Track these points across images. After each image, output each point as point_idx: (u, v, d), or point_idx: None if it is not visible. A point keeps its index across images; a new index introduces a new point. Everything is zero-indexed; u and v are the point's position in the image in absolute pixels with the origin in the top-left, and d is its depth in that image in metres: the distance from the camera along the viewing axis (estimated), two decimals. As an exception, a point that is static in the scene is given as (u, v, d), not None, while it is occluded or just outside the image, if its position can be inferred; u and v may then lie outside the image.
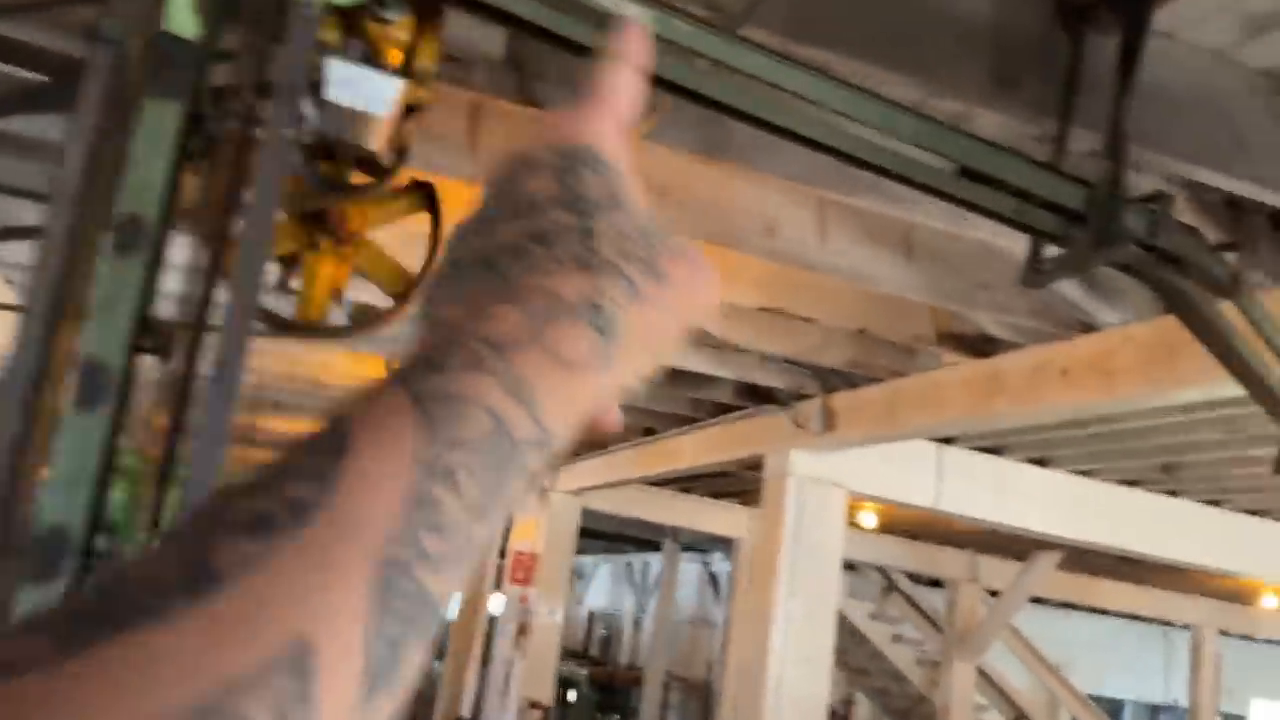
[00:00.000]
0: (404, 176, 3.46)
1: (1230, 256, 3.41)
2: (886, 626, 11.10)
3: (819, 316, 4.43)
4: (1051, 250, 2.35)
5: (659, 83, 2.00)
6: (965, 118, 2.84)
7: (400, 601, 0.27)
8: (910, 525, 9.22)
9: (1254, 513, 6.64)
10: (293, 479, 0.28)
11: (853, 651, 11.26)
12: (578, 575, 22.16)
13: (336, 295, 3.73)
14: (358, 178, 2.79)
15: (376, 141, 2.17)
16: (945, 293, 3.81)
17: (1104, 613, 14.66)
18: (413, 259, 3.49)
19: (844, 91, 2.07)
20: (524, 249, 0.35)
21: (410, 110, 2.31)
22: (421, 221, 3.52)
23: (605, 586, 20.02)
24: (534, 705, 8.95)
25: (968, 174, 2.19)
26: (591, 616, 19.64)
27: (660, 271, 0.36)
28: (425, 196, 3.48)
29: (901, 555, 10.51)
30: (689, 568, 15.18)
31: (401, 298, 3.47)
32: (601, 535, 14.64)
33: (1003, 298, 3.87)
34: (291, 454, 0.29)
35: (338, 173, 2.76)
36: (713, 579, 15.43)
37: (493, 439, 0.31)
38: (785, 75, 2.03)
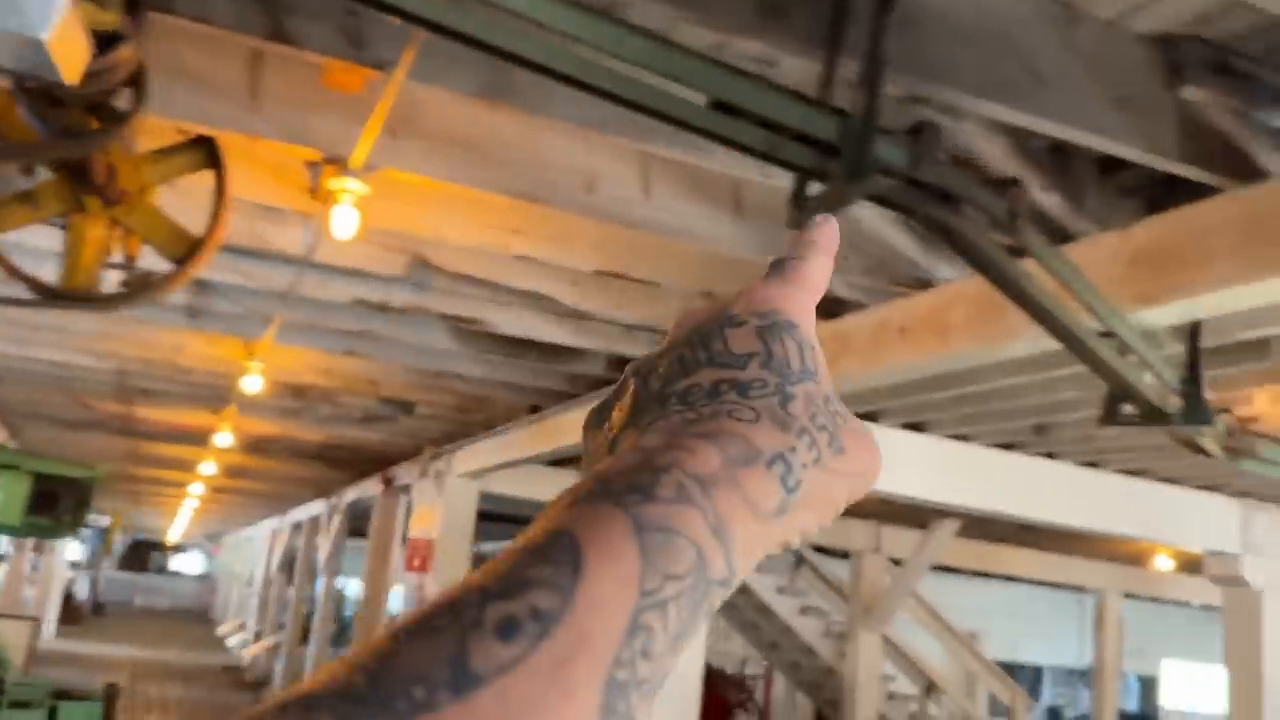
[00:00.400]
0: (188, 132, 3.22)
1: (1060, 203, 3.31)
2: (794, 600, 11.08)
3: (660, 279, 4.27)
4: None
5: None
6: (769, 61, 2.69)
7: None
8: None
9: (1131, 473, 6.66)
10: (534, 588, 0.29)
11: (763, 626, 11.24)
12: (501, 561, 21.96)
13: (130, 260, 3.48)
14: (98, 124, 2.55)
15: (68, 75, 1.93)
16: (777, 250, 3.66)
17: (1018, 581, 14.86)
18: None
19: (573, 13, 1.89)
20: (721, 393, 0.37)
21: (114, 41, 2.08)
22: (205, 179, 3.28)
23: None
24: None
25: (720, 107, 2.03)
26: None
27: (840, 444, 0.39)
28: (207, 152, 3.24)
29: (807, 529, 10.47)
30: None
31: (182, 261, 3.24)
32: (520, 520, 14.44)
33: (838, 255, 3.75)
34: (525, 561, 0.30)
35: (71, 120, 2.51)
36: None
37: (694, 574, 0.32)
38: (511, -4, 1.84)
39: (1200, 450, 3.27)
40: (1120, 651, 11.72)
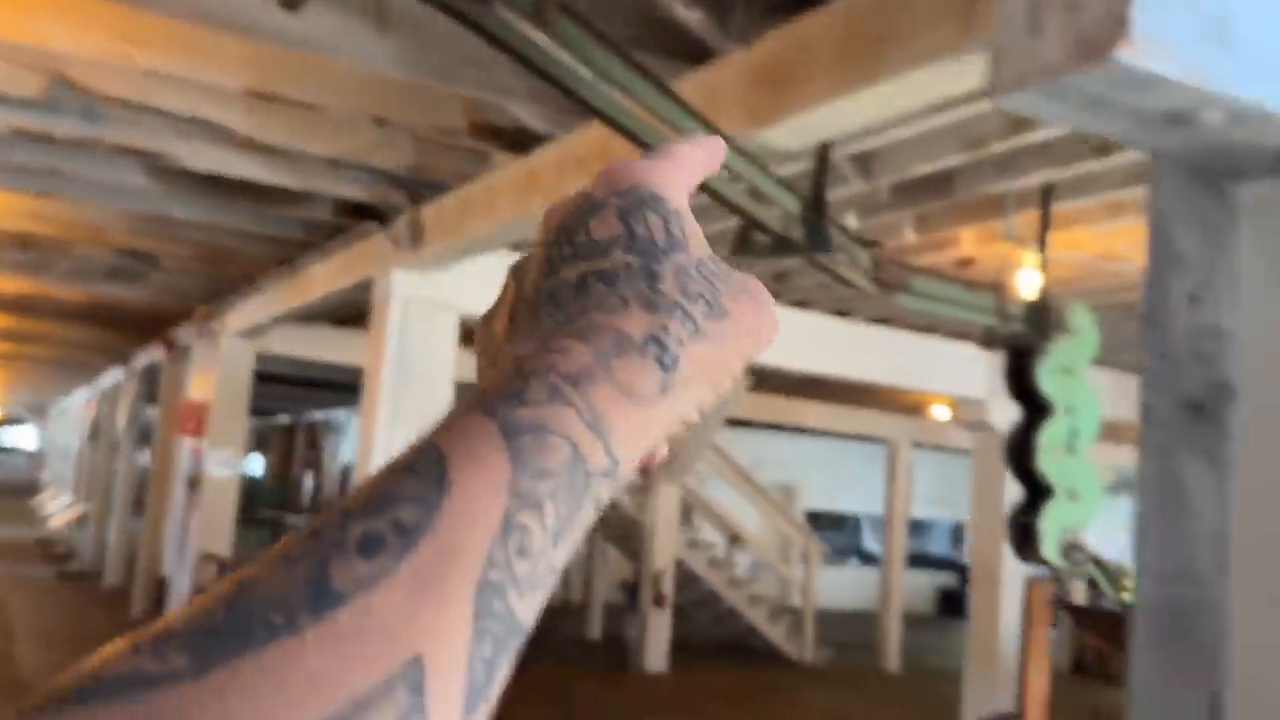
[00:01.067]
0: None
1: (703, 19, 3.13)
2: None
3: (324, 103, 3.95)
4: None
5: None
6: None
7: (494, 623, 0.29)
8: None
9: (880, 321, 6.79)
10: (397, 503, 0.28)
11: (568, 484, 11.33)
12: (332, 430, 21.57)
13: None
14: None
15: None
16: (427, 69, 3.39)
17: (834, 435, 15.40)
18: None
19: None
20: (588, 287, 0.36)
21: None
22: None
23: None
24: (210, 559, 8.53)
25: None
26: (345, 471, 19.19)
27: (721, 308, 0.38)
28: None
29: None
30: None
31: None
32: (308, 382, 14.06)
33: (498, 77, 3.50)
34: (390, 479, 0.29)
35: None
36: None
37: (571, 469, 0.32)
38: None
39: (847, 282, 3.22)
40: (909, 499, 12.33)
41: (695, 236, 0.39)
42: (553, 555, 0.31)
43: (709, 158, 0.42)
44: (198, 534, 8.67)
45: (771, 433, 15.61)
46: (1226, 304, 1.63)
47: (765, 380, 9.73)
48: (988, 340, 3.77)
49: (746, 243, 3.02)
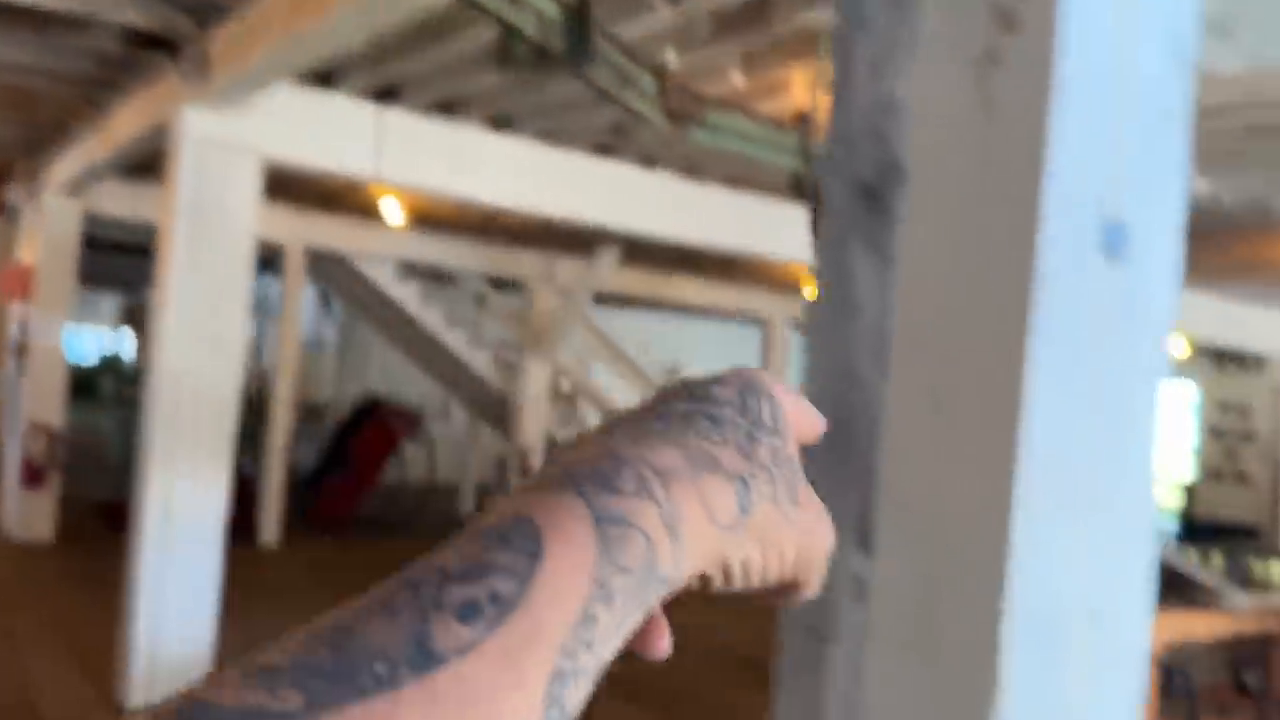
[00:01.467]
0: None
1: None
2: (463, 332, 10.84)
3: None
4: None
5: None
6: None
7: (554, 711, 0.29)
8: (463, 221, 8.71)
9: (731, 183, 6.53)
10: (495, 572, 0.29)
11: (436, 360, 11.03)
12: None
13: None
14: None
15: None
16: None
17: (719, 316, 15.32)
18: None
19: None
20: (694, 419, 0.38)
21: None
22: None
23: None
24: (40, 429, 8.05)
25: None
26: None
27: (796, 496, 0.39)
28: None
29: (476, 258, 10.12)
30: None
31: None
32: (132, 249, 13.29)
33: None
34: (487, 544, 0.30)
35: None
36: (325, 297, 14.68)
37: (644, 568, 0.32)
38: None
39: (632, 110, 2.93)
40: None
41: (792, 441, 0.40)
42: (605, 651, 0.31)
43: (814, 421, 0.43)
44: (27, 403, 8.16)
45: (659, 314, 15.46)
46: (904, 73, 1.38)
47: (638, 255, 9.48)
48: (795, 187, 3.54)
49: (507, 54, 2.70)
